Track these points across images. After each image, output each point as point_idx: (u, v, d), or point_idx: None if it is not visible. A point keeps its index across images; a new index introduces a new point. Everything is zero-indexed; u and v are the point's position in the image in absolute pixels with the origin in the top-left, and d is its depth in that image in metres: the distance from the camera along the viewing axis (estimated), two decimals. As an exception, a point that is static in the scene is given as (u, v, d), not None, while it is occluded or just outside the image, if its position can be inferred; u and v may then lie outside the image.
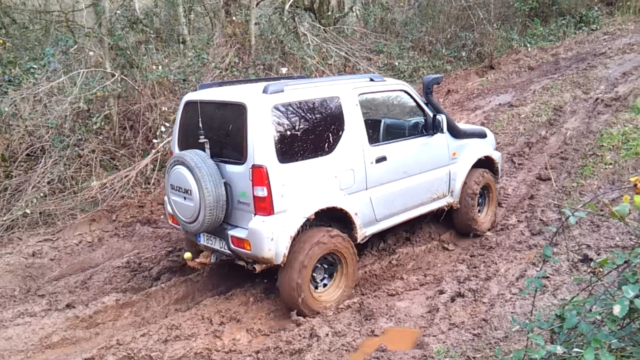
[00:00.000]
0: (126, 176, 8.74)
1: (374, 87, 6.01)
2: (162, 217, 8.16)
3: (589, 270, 5.13)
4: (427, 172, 6.32)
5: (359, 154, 5.60)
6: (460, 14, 14.83)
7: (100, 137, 9.42)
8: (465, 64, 14.64)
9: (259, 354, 4.81)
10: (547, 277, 5.47)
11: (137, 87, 9.61)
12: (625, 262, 2.44)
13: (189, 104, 5.67)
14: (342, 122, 5.50)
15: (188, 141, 5.61)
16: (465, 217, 6.83)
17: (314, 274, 5.40)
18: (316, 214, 5.24)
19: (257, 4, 12.66)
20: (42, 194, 8.26)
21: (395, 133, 6.50)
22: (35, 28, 13.18)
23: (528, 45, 14.58)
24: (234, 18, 11.25)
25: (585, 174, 7.66)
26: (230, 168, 5.14)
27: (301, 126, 5.25)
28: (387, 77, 6.61)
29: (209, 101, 5.42)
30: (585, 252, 5.88)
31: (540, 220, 6.87)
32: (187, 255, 5.79)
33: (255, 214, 5.03)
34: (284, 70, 10.64)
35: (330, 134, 5.41)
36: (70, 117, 9.04)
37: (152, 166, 8.99)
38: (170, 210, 5.71)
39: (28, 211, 7.91)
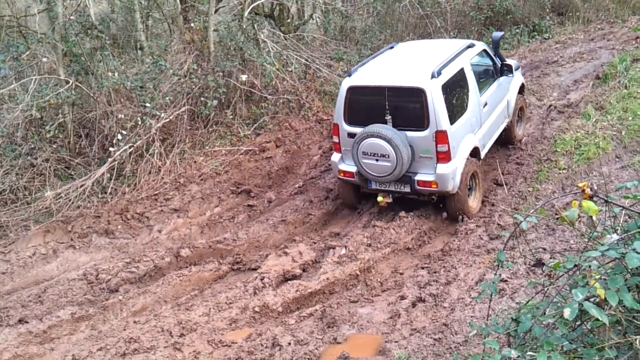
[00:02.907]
0: (82, 185, 8.51)
1: (475, 52, 8.05)
2: (119, 227, 7.98)
3: (544, 274, 5.27)
4: (499, 104, 8.49)
5: (477, 104, 7.68)
6: (418, 22, 15.02)
7: (54, 146, 9.15)
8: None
9: (220, 366, 4.76)
10: (505, 281, 5.59)
11: (92, 95, 9.39)
12: (575, 265, 2.51)
13: (352, 88, 7.25)
14: (467, 84, 7.52)
15: (358, 117, 7.27)
16: (512, 132, 9.00)
17: None
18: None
19: (216, 11, 12.56)
20: (-8, 205, 7.97)
21: (486, 81, 8.26)
22: (-15, 33, 12.72)
23: (484, 53, 14.93)
24: (192, 24, 11.10)
25: (540, 178, 7.87)
26: (412, 134, 6.98)
27: (454, 95, 7.20)
28: (475, 41, 8.61)
29: (390, 86, 7.04)
30: (539, 256, 6.03)
31: (498, 224, 7.02)
32: (380, 198, 7.40)
33: (438, 163, 6.96)
34: (243, 77, 10.56)
35: (464, 96, 7.46)
36: (22, 125, 8.77)
37: (108, 175, 8.77)
38: (357, 170, 7.31)
39: (-22, 223, 7.63)
